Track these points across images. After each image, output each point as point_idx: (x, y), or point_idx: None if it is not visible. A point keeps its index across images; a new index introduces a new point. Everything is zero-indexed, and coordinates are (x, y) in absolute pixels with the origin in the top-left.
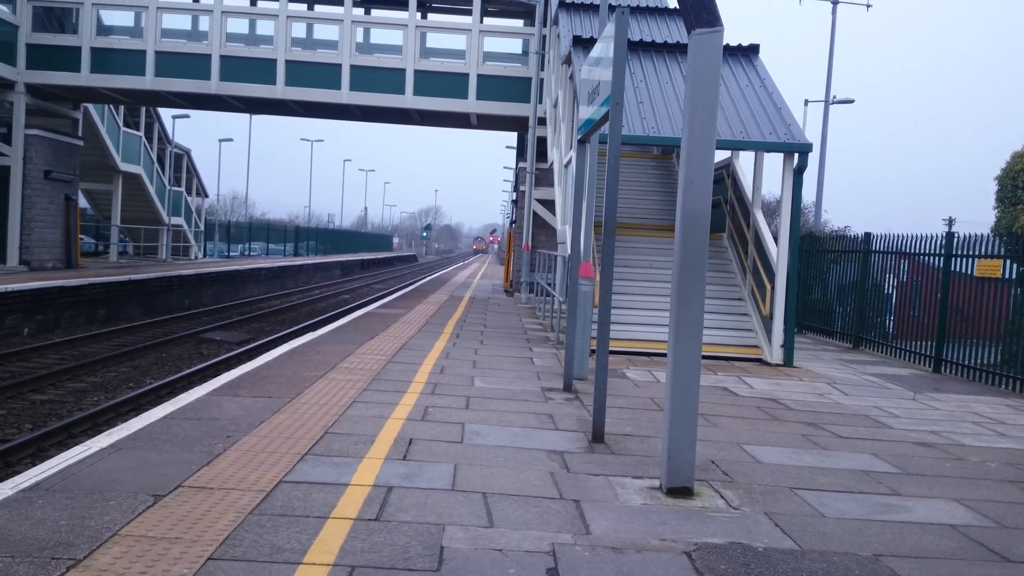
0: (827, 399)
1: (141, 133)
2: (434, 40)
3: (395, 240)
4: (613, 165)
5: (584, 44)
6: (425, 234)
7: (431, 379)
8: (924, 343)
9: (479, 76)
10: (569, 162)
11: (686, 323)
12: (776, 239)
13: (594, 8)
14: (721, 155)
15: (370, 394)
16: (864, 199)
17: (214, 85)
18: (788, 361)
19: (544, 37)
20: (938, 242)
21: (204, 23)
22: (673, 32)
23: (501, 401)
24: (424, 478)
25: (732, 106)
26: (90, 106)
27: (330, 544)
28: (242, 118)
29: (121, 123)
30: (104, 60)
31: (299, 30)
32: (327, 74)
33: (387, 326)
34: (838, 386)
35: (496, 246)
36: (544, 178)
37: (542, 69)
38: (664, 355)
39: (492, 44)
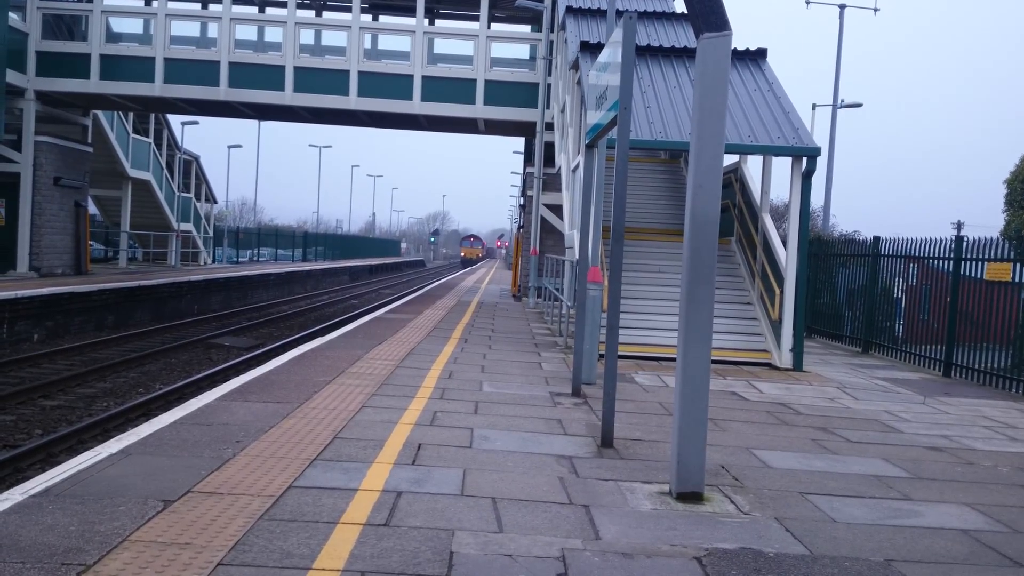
0: (837, 403)
1: (150, 139)
2: (441, 46)
3: (403, 245)
4: (621, 170)
5: (591, 49)
6: (433, 239)
7: (440, 384)
8: (934, 347)
9: (486, 81)
10: (577, 167)
11: (695, 327)
12: (785, 243)
13: (601, 13)
14: (729, 159)
15: (379, 399)
16: (872, 203)
17: (223, 91)
18: (797, 365)
19: (551, 42)
20: (947, 246)
21: (213, 30)
22: (681, 37)
23: (510, 406)
24: (433, 483)
25: (740, 110)
26: (99, 113)
27: (340, 549)
28: (251, 124)
29: (130, 129)
30: (113, 67)
31: (307, 37)
32: (335, 80)
33: (396, 331)
34: (848, 390)
35: (504, 251)
36: (552, 183)
37: (549, 74)
38: (673, 359)
39: (499, 50)
